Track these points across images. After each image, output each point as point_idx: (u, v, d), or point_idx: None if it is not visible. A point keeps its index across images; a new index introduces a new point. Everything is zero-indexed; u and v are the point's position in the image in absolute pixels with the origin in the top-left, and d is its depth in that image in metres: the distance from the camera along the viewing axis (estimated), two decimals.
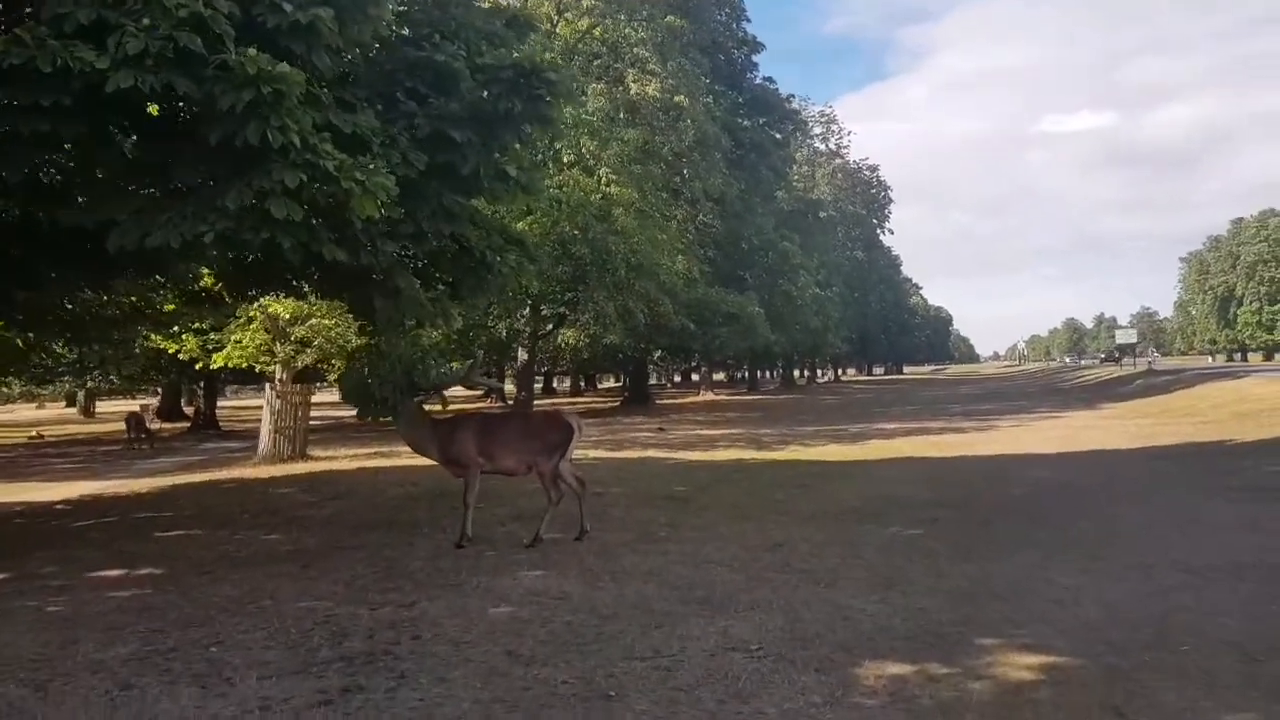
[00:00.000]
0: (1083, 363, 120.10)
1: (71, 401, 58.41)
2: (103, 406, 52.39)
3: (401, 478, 13.53)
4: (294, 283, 9.22)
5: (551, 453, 8.25)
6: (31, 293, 8.24)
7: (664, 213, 30.63)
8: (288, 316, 18.01)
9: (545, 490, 8.39)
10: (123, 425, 26.39)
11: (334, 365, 32.31)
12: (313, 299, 12.93)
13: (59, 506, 12.71)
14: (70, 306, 10.93)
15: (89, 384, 41.32)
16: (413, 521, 9.86)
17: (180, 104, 5.54)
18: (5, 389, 45.29)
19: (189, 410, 37.80)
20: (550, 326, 30.38)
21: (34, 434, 31.38)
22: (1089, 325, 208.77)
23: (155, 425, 29.17)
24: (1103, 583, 6.66)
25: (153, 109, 5.71)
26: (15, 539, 9.74)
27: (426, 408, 8.48)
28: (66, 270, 7.92)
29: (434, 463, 8.64)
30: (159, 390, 42.22)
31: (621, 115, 30.68)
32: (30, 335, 11.74)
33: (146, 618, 6.09)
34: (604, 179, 26.39)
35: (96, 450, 25.25)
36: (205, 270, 10.01)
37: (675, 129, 30.92)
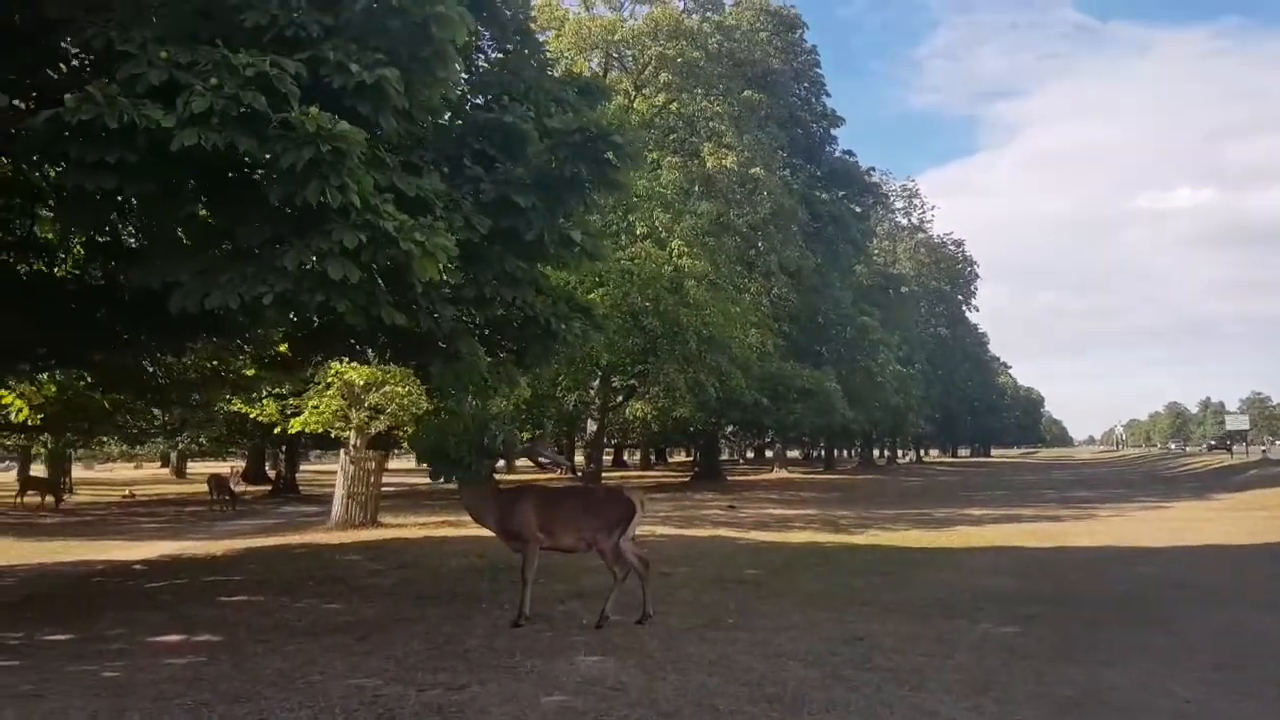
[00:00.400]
0: (1188, 449, 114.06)
1: (166, 462, 60.51)
2: (194, 468, 54.05)
3: (466, 548, 13.24)
4: (357, 347, 9.14)
5: (612, 530, 7.83)
6: (105, 353, 8.34)
7: (738, 285, 30.41)
8: (362, 383, 18.20)
9: (609, 568, 7.94)
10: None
11: (406, 431, 32.82)
12: (385, 366, 12.93)
13: (137, 566, 12.80)
14: (151, 369, 11.12)
15: (179, 445, 42.62)
16: (474, 594, 9.51)
17: (246, 165, 5.50)
18: (104, 449, 46.97)
19: (271, 474, 38.56)
20: (620, 399, 30.16)
21: (127, 493, 32.32)
22: (1193, 410, 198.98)
23: (240, 488, 29.80)
24: (1231, 698, 5.86)
25: (221, 169, 5.69)
26: (90, 598, 9.73)
27: (495, 476, 8.21)
28: (139, 332, 7.99)
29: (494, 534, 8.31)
30: (245, 453, 43.40)
31: (696, 189, 30.84)
32: (117, 396, 11.97)
33: (196, 689, 5.84)
34: (676, 251, 26.37)
35: (182, 511, 25.80)
36: (278, 334, 10.07)
37: (751, 201, 30.88)
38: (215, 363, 11.51)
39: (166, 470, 58.18)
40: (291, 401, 19.45)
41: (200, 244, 6.33)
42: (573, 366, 27.43)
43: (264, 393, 18.46)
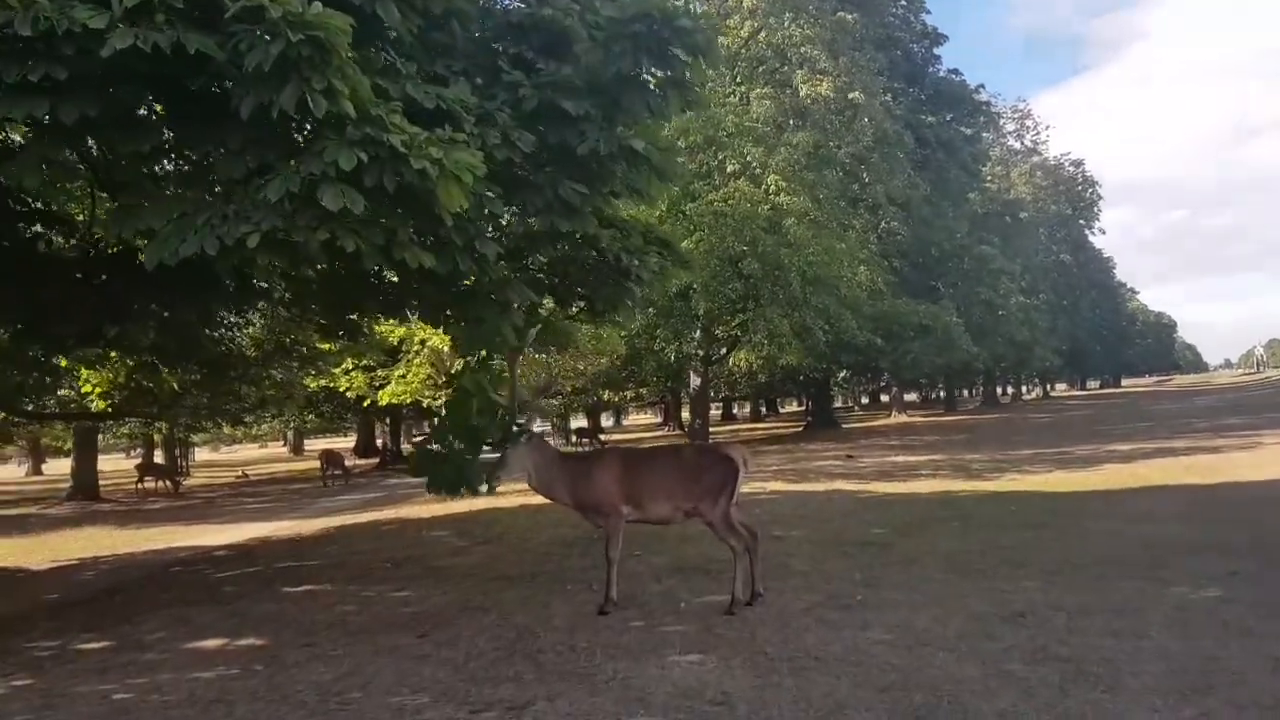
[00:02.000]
0: None
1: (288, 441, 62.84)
2: (315, 445, 55.65)
3: (559, 518, 12.18)
4: (393, 300, 8.00)
5: (716, 495, 6.55)
6: (120, 326, 7.56)
7: (841, 221, 28.30)
8: (447, 349, 17.47)
9: (723, 540, 6.69)
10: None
11: None
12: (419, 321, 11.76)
13: (220, 553, 12.37)
14: (216, 346, 10.44)
15: (293, 424, 43.66)
16: (559, 574, 8.45)
17: (211, 75, 4.40)
18: (225, 431, 48.64)
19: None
20: (724, 350, 28.65)
21: (240, 473, 33.12)
22: None
23: (351, 462, 30.03)
24: None
25: (178, 81, 4.56)
26: (155, 593, 9.16)
27: (550, 440, 7.09)
28: (147, 300, 7.13)
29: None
30: (356, 428, 44.17)
31: (791, 122, 28.79)
32: (187, 377, 11.41)
33: (210, 713, 4.93)
34: (773, 187, 24.53)
35: (290, 489, 26.04)
36: (286, 290, 8.98)
37: (851, 130, 28.63)
38: (281, 334, 10.78)
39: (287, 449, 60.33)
40: (380, 373, 18.98)
41: (178, 183, 5.35)
42: (670, 317, 26.19)
43: (351, 365, 18.05)
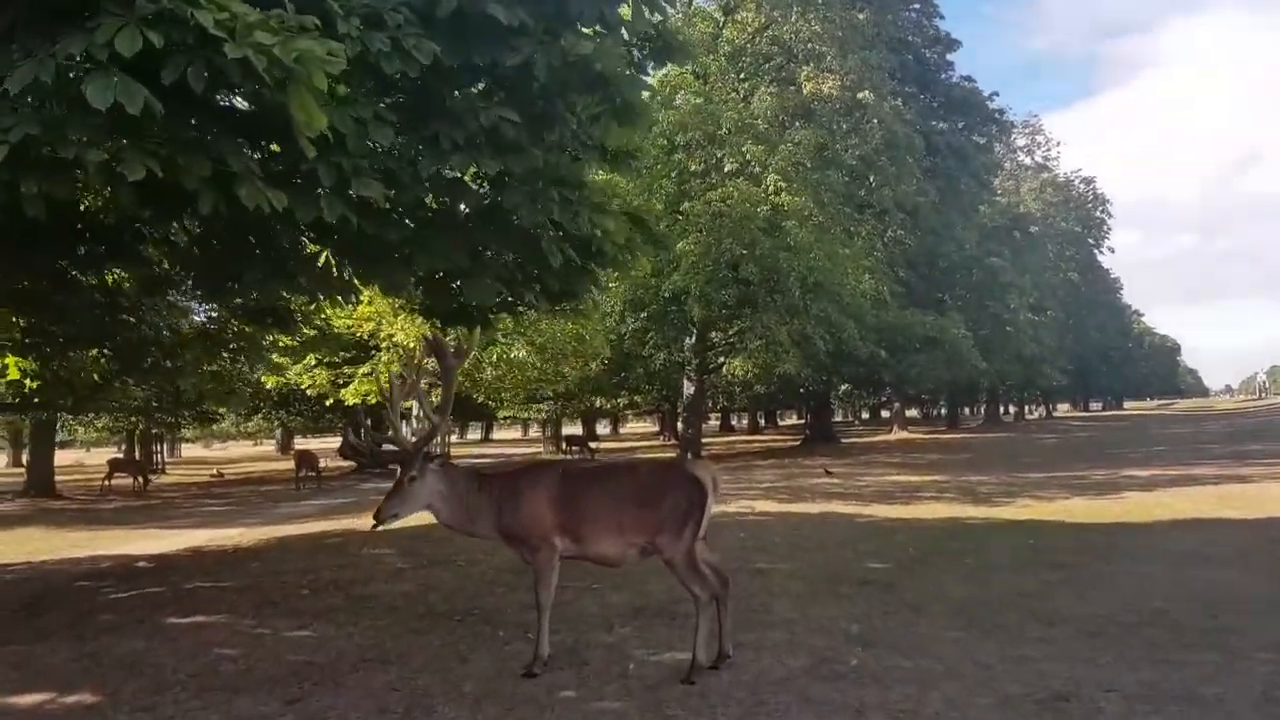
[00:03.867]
0: None
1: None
2: (312, 444, 54.19)
3: None
4: (275, 264, 6.51)
5: (678, 527, 5.14)
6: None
7: (846, 226, 26.99)
8: (413, 345, 16.10)
9: (684, 586, 5.29)
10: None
11: (504, 402, 30.82)
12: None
13: (141, 563, 10.99)
14: (95, 322, 9.03)
15: (279, 422, 42.23)
16: (496, 612, 7.07)
17: None
18: (215, 427, 47.13)
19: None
20: (721, 358, 27.29)
21: (215, 472, 31.75)
22: None
23: (333, 464, 28.61)
24: None
25: None
26: (19, 618, 7.75)
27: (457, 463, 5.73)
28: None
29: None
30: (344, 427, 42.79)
31: (797, 124, 27.47)
32: (106, 367, 10.05)
33: None
34: (773, 186, 23.20)
35: (260, 490, 24.66)
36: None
37: (858, 131, 27.31)
38: (205, 321, 9.45)
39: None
40: (346, 370, 17.64)
41: None
42: (663, 323, 24.86)
43: (313, 361, 16.73)
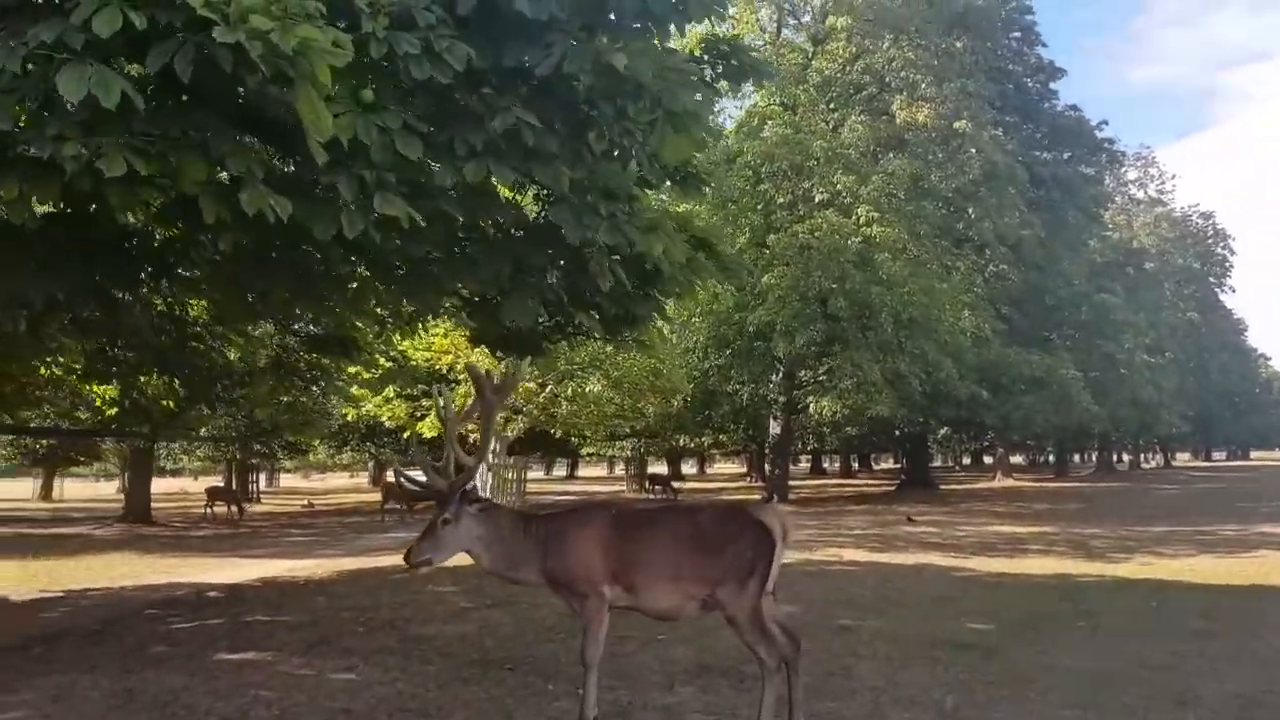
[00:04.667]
0: None
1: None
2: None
3: None
4: (300, 282, 6.12)
5: (743, 579, 4.54)
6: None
7: (943, 260, 25.85)
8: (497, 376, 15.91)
9: (748, 647, 4.67)
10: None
11: (587, 438, 30.46)
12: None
13: (212, 593, 10.93)
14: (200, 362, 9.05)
15: (371, 454, 42.94)
16: (550, 663, 6.54)
17: None
18: (310, 459, 48.38)
19: None
20: (810, 398, 26.34)
21: (306, 503, 32.38)
22: None
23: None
24: None
25: None
26: (78, 645, 7.62)
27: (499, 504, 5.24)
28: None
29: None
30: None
31: (890, 155, 26.61)
32: (180, 392, 10.10)
33: None
34: (864, 218, 22.35)
35: (346, 521, 24.87)
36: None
37: (955, 161, 26.22)
38: (275, 350, 9.38)
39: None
40: (424, 403, 17.62)
41: None
42: (748, 359, 24.15)
43: (392, 393, 16.79)
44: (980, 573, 11.54)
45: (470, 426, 15.88)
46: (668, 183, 6.53)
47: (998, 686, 5.81)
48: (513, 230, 5.49)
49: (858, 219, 22.40)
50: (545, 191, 4.69)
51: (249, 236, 4.36)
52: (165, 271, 6.09)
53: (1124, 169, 55.64)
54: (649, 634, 6.97)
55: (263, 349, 9.72)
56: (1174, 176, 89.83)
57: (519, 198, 5.33)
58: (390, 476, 35.03)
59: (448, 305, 5.62)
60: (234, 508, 26.65)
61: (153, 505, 27.27)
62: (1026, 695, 5.62)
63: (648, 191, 6.44)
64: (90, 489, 48.92)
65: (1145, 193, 62.18)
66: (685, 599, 4.68)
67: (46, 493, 39.81)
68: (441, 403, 5.54)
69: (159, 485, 50.17)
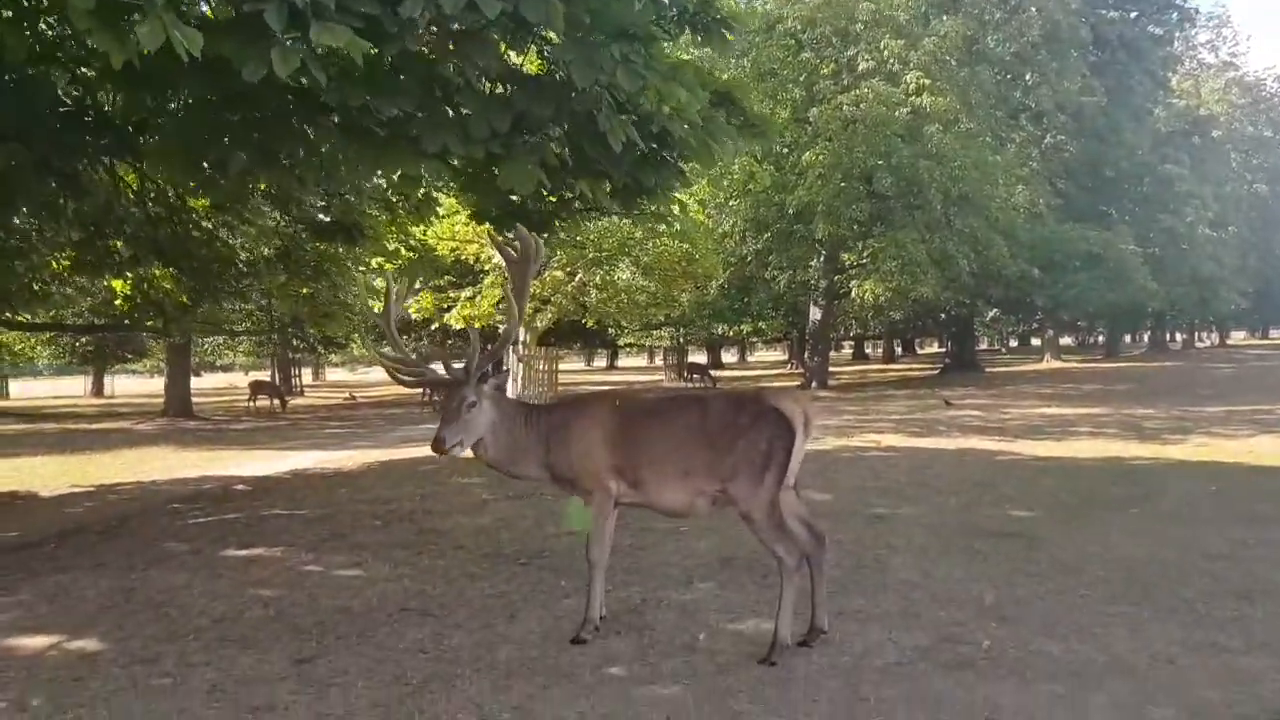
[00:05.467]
0: None
1: None
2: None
3: None
4: (279, 157, 5.50)
5: (758, 472, 4.09)
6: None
7: (997, 132, 24.32)
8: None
9: (766, 547, 4.26)
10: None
11: (623, 328, 29.94)
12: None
13: (240, 486, 10.89)
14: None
15: (414, 348, 43.13)
16: (568, 554, 6.23)
17: None
18: (347, 352, 48.86)
19: None
20: (852, 282, 25.48)
21: (347, 395, 32.74)
22: None
23: None
24: None
25: None
26: (94, 541, 7.55)
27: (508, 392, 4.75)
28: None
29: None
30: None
31: (943, 16, 24.73)
32: (194, 287, 9.77)
33: None
34: (913, 85, 20.90)
35: (386, 413, 25.05)
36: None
37: (1014, 22, 24.33)
38: (282, 239, 8.93)
39: None
40: (450, 295, 17.23)
41: None
42: (787, 242, 23.27)
43: (417, 284, 16.37)
44: (1025, 457, 11.02)
45: (497, 317, 15.40)
46: (686, 31, 5.77)
47: (1042, 579, 5.37)
48: (508, 85, 4.83)
49: (906, 88, 20.94)
50: (547, 45, 4.02)
51: (195, 92, 3.81)
52: (122, 142, 5.58)
53: (1195, 30, 51.72)
54: (671, 525, 6.64)
55: (270, 239, 9.27)
56: (1249, 38, 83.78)
57: (521, 57, 4.66)
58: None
59: (434, 174, 5.01)
60: (276, 401, 27.02)
61: (199, 400, 27.78)
62: (1073, 588, 5.18)
63: (664, 43, 5.69)
64: (144, 385, 50.05)
65: (1216, 56, 58.02)
66: (695, 495, 4.25)
67: (98, 389, 40.84)
68: (385, 285, 4.94)
69: (210, 380, 51.49)
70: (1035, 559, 5.86)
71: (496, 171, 4.73)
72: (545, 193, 5.64)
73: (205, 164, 5.14)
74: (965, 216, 21.78)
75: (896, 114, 20.54)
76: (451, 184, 5.97)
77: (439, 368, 4.46)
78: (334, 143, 4.75)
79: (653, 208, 6.39)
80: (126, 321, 10.99)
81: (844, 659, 4.07)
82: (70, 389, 45.24)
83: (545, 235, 6.79)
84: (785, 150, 22.56)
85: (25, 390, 47.64)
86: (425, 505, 8.52)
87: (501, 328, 6.59)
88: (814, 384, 26.11)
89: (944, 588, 5.21)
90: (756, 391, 4.33)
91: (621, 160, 4.92)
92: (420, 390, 25.44)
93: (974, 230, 21.98)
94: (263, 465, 13.02)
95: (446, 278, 16.89)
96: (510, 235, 4.79)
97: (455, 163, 5.19)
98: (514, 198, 5.65)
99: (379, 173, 5.75)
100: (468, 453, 4.43)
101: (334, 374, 66.89)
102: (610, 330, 29.83)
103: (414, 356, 4.66)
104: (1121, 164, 31.65)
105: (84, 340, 27.90)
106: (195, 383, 46.19)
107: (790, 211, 22.14)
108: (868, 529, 6.84)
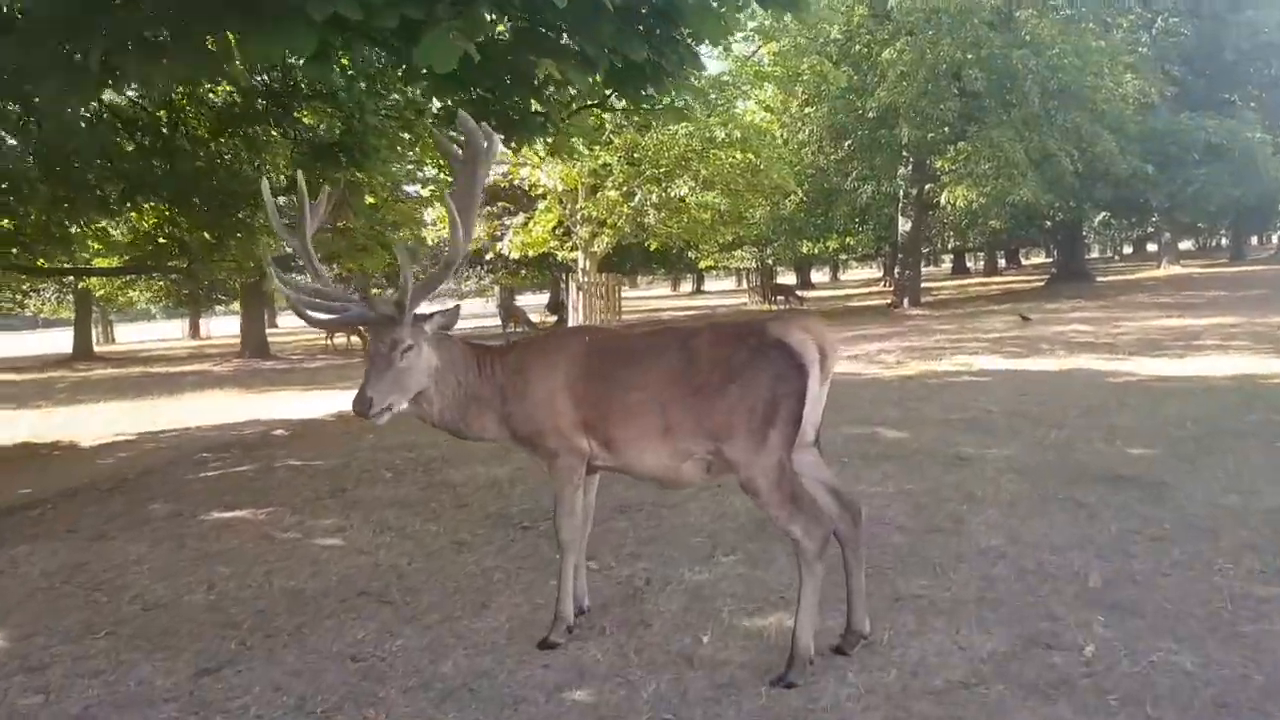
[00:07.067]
0: None
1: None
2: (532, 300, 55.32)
3: None
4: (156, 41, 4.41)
5: (758, 425, 3.03)
6: None
7: (1100, 16, 21.69)
8: (564, 187, 14.21)
9: (774, 523, 3.21)
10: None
11: (699, 251, 28.62)
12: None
13: (278, 430, 10.42)
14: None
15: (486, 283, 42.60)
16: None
17: None
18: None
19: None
20: (944, 190, 23.47)
21: None
22: None
23: (540, 319, 28.49)
24: None
25: None
26: (104, 497, 7.02)
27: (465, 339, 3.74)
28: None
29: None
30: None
31: None
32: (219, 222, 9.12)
33: None
34: None
35: None
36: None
37: None
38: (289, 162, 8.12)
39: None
40: (504, 222, 16.34)
41: None
42: (872, 151, 21.43)
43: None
44: (1142, 377, 9.53)
45: (551, 243, 14.39)
46: None
47: (1165, 545, 4.17)
48: None
49: None
50: None
51: None
52: None
53: None
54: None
55: (275, 166, 8.48)
56: None
57: None
58: (502, 299, 34.83)
59: (345, 49, 3.97)
60: (351, 339, 27.02)
61: (285, 339, 27.96)
62: (1208, 558, 3.97)
63: None
64: (238, 326, 51.60)
65: None
66: (680, 458, 3.21)
67: (195, 331, 42.02)
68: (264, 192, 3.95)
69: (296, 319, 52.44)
70: (1156, 515, 4.64)
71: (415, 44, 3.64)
72: (507, 81, 4.54)
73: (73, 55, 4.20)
74: (1067, 111, 19.55)
75: (985, 1, 18.35)
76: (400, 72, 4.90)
77: (362, 304, 3.47)
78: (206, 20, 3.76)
79: (665, 99, 5.17)
80: (150, 264, 10.51)
81: (889, 677, 3.03)
82: (174, 333, 46.86)
83: (536, 138, 5.67)
84: (862, 48, 20.59)
85: (132, 334, 49.51)
86: (445, 453, 7.73)
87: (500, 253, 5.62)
88: (904, 301, 24.41)
89: (1036, 559, 4.08)
90: (756, 320, 3.21)
91: (591, 29, 3.73)
92: (328, 333, 25.06)
93: (1077, 125, 19.75)
94: (313, 406, 12.62)
95: (501, 203, 15.98)
96: (454, 130, 3.74)
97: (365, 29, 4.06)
98: (484, 93, 4.59)
99: (291, 56, 4.73)
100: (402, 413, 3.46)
101: None
102: (689, 254, 28.48)
103: (333, 286, 3.68)
104: (1244, 45, 28.03)
105: (171, 280, 28.19)
106: (283, 321, 47.23)
107: (871, 116, 20.30)
108: (946, 475, 5.69)
